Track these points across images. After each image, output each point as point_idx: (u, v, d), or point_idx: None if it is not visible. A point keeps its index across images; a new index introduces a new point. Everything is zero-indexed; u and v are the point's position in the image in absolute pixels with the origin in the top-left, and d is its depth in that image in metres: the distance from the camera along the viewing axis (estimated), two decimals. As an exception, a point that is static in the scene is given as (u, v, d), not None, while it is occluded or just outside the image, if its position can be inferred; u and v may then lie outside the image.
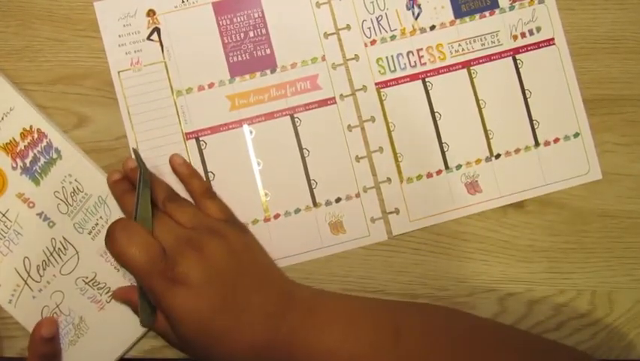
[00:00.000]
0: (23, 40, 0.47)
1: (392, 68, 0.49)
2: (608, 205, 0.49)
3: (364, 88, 0.49)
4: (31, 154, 0.46)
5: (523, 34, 0.50)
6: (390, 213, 0.48)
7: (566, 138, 0.50)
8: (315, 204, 0.48)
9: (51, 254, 0.45)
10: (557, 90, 0.50)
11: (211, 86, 0.48)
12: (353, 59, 0.49)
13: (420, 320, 0.42)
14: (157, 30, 0.48)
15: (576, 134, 0.50)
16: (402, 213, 0.48)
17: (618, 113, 0.50)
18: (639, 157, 0.50)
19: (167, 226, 0.42)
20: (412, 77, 0.49)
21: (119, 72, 0.47)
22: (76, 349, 0.45)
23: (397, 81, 0.49)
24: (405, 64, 0.49)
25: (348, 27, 0.49)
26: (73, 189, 0.46)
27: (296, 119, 0.48)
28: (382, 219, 0.48)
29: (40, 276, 0.45)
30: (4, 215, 0.45)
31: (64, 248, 0.45)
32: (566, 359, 0.42)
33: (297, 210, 0.48)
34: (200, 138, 0.48)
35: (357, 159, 0.48)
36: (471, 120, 0.49)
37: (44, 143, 0.46)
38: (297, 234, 0.47)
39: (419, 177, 0.49)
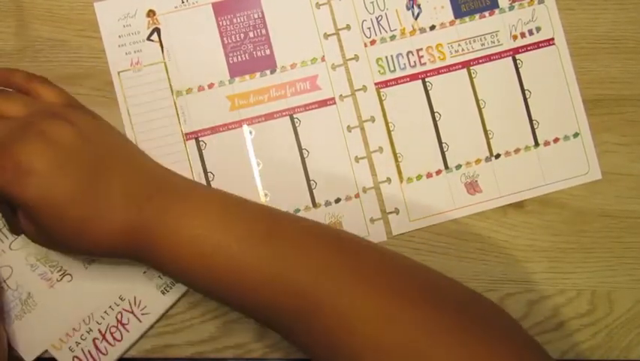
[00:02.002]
0: (23, 40, 0.47)
1: (392, 68, 0.49)
2: (608, 205, 0.49)
3: (364, 88, 0.49)
4: None
5: (523, 34, 0.50)
6: (390, 213, 0.48)
7: (566, 138, 0.50)
8: (314, 204, 0.48)
9: (0, 230, 0.45)
10: (557, 90, 0.50)
11: (211, 86, 0.48)
12: (353, 59, 0.49)
13: (295, 226, 0.40)
14: (157, 30, 0.48)
15: (576, 135, 0.50)
16: (402, 213, 0.48)
17: (618, 113, 0.50)
18: (639, 157, 0.50)
19: None
20: (412, 77, 0.49)
21: (119, 72, 0.48)
22: (21, 324, 0.45)
23: (397, 81, 0.49)
24: (405, 64, 0.49)
25: (347, 27, 0.49)
26: None
27: (296, 120, 0.48)
28: (382, 219, 0.48)
29: None
30: None
31: None
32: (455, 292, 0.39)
33: (297, 211, 0.48)
34: (200, 139, 0.48)
35: (357, 159, 0.48)
36: (471, 120, 0.49)
37: None
38: (296, 234, 0.47)
39: (419, 177, 0.49)
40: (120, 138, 0.43)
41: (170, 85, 0.48)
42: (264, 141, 0.48)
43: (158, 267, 0.40)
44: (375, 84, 0.49)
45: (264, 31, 0.49)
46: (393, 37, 0.49)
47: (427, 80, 0.49)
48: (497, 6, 0.50)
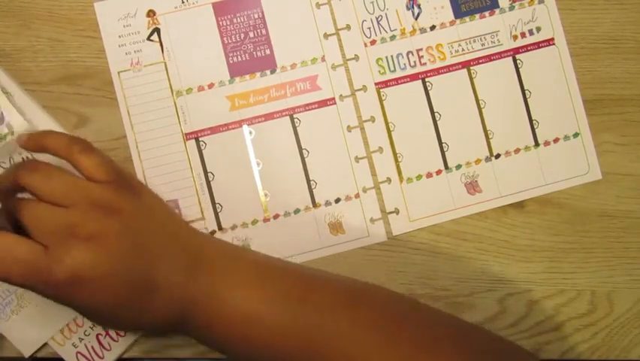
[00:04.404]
0: (24, 40, 0.47)
1: (392, 68, 0.49)
2: (608, 205, 0.49)
3: (364, 88, 0.49)
4: None
5: (523, 34, 0.50)
6: (390, 213, 0.48)
7: (566, 138, 0.50)
8: (314, 204, 0.48)
9: None
10: (557, 90, 0.50)
11: (211, 86, 0.48)
12: (353, 59, 0.49)
13: (328, 288, 0.40)
14: (157, 30, 0.48)
15: (576, 135, 0.50)
16: (402, 213, 0.48)
17: (618, 113, 0.50)
18: (639, 157, 0.50)
19: (38, 212, 0.35)
20: (412, 77, 0.49)
21: (119, 72, 0.48)
22: (19, 318, 0.45)
23: (397, 81, 0.49)
24: (405, 64, 0.49)
25: (347, 27, 0.49)
26: None
27: (295, 120, 0.48)
28: (382, 219, 0.48)
29: None
30: None
31: None
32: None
33: (297, 211, 0.48)
34: (200, 139, 0.48)
35: (357, 159, 0.48)
36: (471, 120, 0.49)
37: None
38: (296, 234, 0.47)
39: (419, 177, 0.49)
40: (160, 214, 0.41)
41: (170, 85, 0.48)
42: (264, 141, 0.48)
43: (196, 337, 0.41)
44: (376, 84, 0.49)
45: (264, 31, 0.49)
46: (393, 38, 0.49)
47: (427, 80, 0.49)
48: (497, 6, 0.50)
